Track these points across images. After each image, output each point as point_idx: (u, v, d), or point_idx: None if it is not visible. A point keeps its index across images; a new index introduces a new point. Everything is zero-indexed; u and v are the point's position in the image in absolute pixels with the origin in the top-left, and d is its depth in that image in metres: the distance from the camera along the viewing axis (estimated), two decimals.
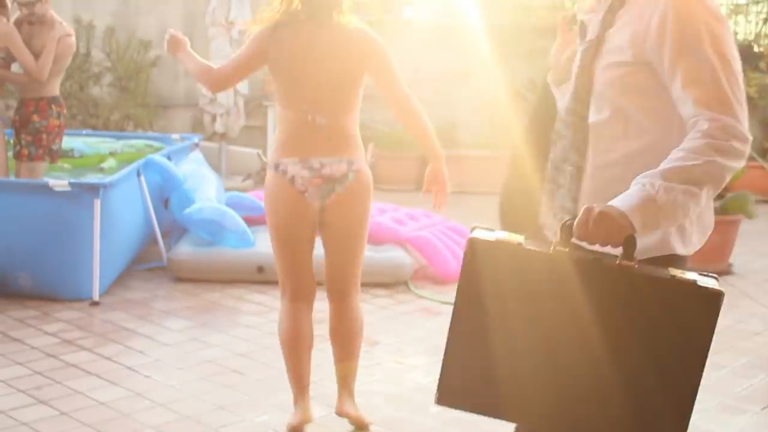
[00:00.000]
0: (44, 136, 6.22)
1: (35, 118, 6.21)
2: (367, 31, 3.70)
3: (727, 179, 2.06)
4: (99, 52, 10.45)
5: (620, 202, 2.01)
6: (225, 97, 9.54)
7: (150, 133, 9.60)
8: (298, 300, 3.73)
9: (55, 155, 6.37)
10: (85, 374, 4.43)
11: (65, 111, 6.49)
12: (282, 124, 3.67)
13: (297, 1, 3.60)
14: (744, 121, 2.09)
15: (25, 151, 6.21)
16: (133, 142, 8.06)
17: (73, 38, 6.42)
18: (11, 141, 6.65)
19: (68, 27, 6.42)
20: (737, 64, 2.14)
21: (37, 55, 6.12)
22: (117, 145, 7.91)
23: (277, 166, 3.61)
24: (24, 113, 6.21)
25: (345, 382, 3.87)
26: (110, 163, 7.58)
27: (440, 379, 2.09)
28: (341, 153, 3.61)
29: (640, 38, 2.16)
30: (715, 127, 2.04)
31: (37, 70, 6.09)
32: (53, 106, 6.28)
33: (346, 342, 3.81)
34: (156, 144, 7.95)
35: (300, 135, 3.60)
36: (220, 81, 3.82)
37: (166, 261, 6.28)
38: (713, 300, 1.94)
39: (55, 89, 6.34)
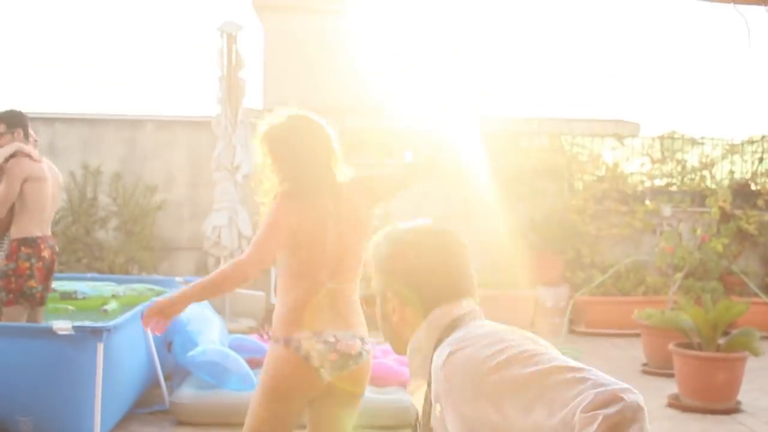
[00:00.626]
0: (13, 279, 5.92)
1: (4, 261, 5.96)
2: (353, 176, 3.63)
3: None
4: (105, 197, 10.62)
5: None
6: (229, 240, 9.62)
7: (154, 276, 9.64)
8: None
9: (33, 299, 6.00)
10: None
11: (45, 253, 6.06)
12: (292, 294, 3.48)
13: (293, 180, 3.51)
14: None
15: (1, 296, 5.97)
16: (135, 285, 8.10)
17: (24, 161, 5.98)
18: None
19: (27, 149, 6.05)
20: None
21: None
22: (119, 288, 7.94)
23: (288, 342, 3.41)
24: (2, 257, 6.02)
25: None
26: (113, 305, 7.59)
27: None
28: (354, 327, 3.48)
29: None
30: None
31: None
32: (23, 248, 5.94)
33: None
34: (157, 288, 7.99)
35: (313, 306, 3.43)
36: (254, 265, 3.54)
37: (169, 404, 6.22)
38: None
39: (27, 230, 5.99)
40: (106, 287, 7.89)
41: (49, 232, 6.22)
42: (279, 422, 3.46)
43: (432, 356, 2.16)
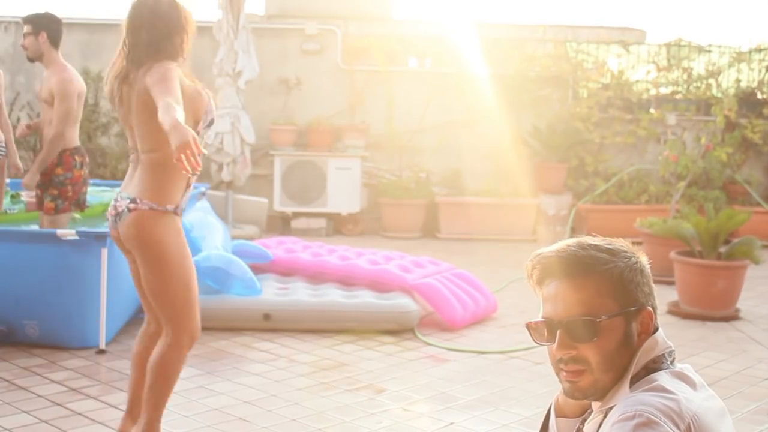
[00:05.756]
0: (70, 188, 6.15)
1: (59, 171, 6.12)
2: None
3: None
4: (107, 103, 10.53)
5: None
6: (232, 147, 9.60)
7: None
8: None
9: (83, 205, 6.36)
10: (91, 423, 4.42)
11: (87, 160, 6.40)
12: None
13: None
14: None
15: (52, 205, 6.12)
16: None
17: (74, 76, 6.23)
18: (11, 192, 6.66)
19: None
20: None
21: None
22: (114, 193, 7.93)
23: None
24: (47, 167, 6.11)
25: None
26: None
27: None
28: (128, 189, 3.92)
29: None
30: None
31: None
32: (76, 157, 6.19)
33: None
34: None
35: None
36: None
37: None
38: None
39: (74, 140, 6.21)
40: (105, 193, 7.90)
41: None
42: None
43: (623, 389, 1.86)
